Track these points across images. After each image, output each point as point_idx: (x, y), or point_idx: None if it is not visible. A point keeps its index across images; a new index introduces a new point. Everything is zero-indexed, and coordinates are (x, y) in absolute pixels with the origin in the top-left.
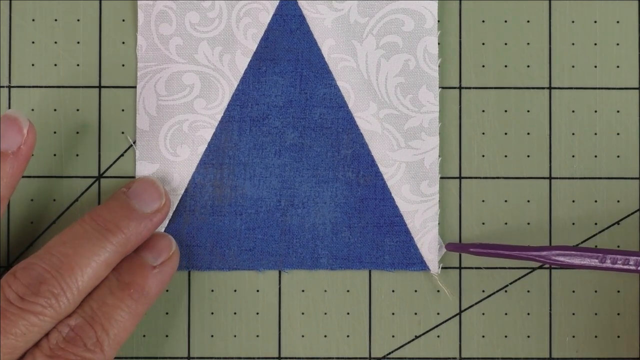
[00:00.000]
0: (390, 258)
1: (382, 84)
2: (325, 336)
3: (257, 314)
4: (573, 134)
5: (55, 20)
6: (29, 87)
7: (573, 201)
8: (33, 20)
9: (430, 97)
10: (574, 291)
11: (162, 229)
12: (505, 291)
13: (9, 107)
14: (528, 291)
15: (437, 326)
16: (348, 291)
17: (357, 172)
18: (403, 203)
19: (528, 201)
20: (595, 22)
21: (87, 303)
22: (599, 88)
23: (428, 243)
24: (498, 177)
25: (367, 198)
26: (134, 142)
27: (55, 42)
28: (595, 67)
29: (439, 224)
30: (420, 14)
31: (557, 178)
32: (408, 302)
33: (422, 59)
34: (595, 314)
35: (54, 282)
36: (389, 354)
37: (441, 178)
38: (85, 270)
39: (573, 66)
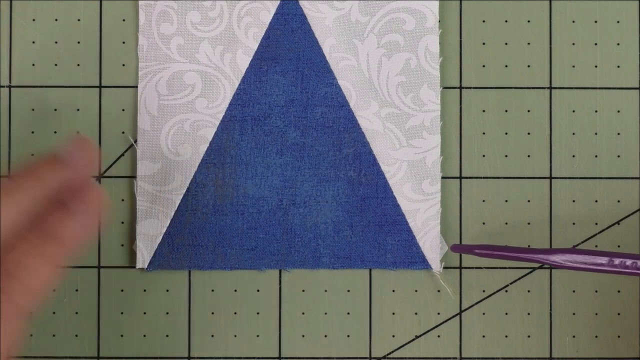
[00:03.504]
0: (392, 257)
1: (384, 82)
2: (325, 336)
3: (257, 314)
4: (573, 134)
5: (55, 20)
6: (29, 87)
7: (573, 201)
8: (33, 20)
9: (431, 96)
10: (574, 291)
11: (163, 228)
12: (506, 291)
13: (9, 107)
14: (528, 291)
15: (437, 326)
16: (348, 291)
17: (358, 171)
18: (405, 202)
19: (528, 201)
20: (596, 22)
21: (4, 252)
22: (599, 88)
23: (430, 242)
24: (498, 177)
25: (368, 197)
26: (135, 142)
27: (56, 42)
28: (596, 67)
29: (439, 223)
30: (421, 12)
31: (557, 178)
32: (408, 301)
33: (423, 57)
34: (595, 314)
35: None
36: (389, 354)
37: (442, 178)
38: (5, 215)
39: (573, 66)
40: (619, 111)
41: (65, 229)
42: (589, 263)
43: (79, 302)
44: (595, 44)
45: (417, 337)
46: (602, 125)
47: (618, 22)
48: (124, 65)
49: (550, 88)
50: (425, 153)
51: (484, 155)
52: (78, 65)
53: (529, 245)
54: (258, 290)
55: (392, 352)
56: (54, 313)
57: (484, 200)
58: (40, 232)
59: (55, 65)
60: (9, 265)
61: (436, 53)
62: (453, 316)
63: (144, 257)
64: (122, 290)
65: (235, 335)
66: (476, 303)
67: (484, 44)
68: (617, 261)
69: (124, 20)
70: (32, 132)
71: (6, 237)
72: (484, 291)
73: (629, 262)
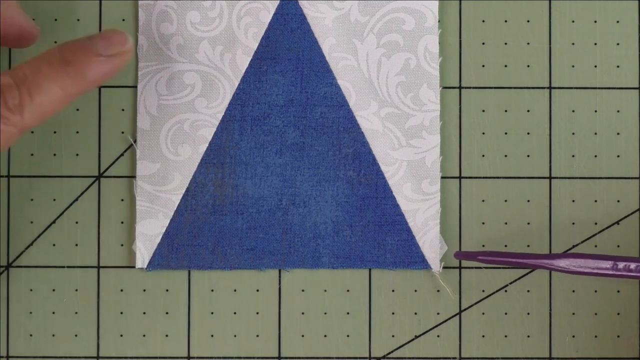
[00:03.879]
0: (392, 257)
1: (383, 82)
2: (325, 336)
3: (257, 314)
4: (573, 133)
5: (55, 20)
6: None
7: (573, 201)
8: (33, 20)
9: (431, 96)
10: (574, 291)
11: (163, 228)
12: (505, 291)
13: None
14: (528, 291)
15: (437, 326)
16: (348, 291)
17: (358, 171)
18: (404, 202)
19: (528, 201)
20: (595, 22)
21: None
22: (599, 88)
23: (429, 242)
24: (498, 177)
25: (368, 197)
26: (135, 142)
27: (55, 42)
28: (595, 67)
29: (439, 223)
30: (420, 12)
31: (557, 178)
32: (408, 301)
33: (422, 57)
34: (595, 314)
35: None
36: (389, 353)
37: (441, 178)
38: (42, 87)
39: (573, 66)
40: (618, 111)
41: (90, 72)
42: (593, 267)
43: (79, 302)
44: (595, 43)
45: (416, 337)
46: (601, 125)
47: (618, 22)
48: None
49: (550, 88)
50: (425, 153)
51: (483, 155)
52: None
53: (528, 245)
54: (258, 290)
55: (392, 352)
56: (53, 313)
57: (483, 200)
58: (66, 64)
59: None
60: (31, 86)
61: (436, 53)
62: (452, 316)
63: (143, 257)
64: (121, 290)
65: (235, 335)
66: (476, 303)
67: (483, 43)
68: (621, 265)
69: (123, 20)
70: (32, 132)
71: (42, 100)
72: (483, 291)
73: (633, 265)
